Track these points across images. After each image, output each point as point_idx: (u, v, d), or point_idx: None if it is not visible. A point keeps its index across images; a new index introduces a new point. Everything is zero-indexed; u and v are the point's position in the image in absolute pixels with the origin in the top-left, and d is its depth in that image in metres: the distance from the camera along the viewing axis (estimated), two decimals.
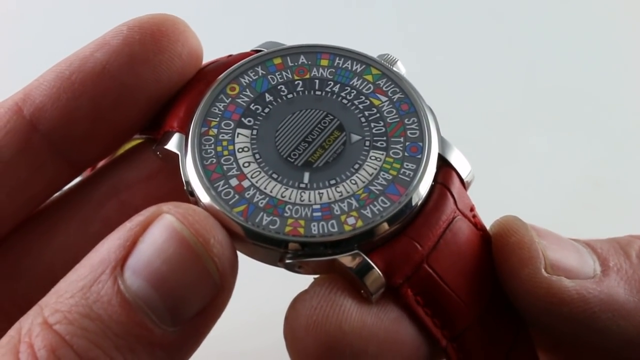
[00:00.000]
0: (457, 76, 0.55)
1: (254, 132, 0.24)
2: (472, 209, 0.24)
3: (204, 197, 0.22)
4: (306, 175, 0.23)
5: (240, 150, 0.23)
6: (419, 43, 0.57)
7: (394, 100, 0.24)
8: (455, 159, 0.24)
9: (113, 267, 0.20)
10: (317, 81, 0.25)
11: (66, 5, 0.60)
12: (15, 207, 0.25)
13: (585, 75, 0.55)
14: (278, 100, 0.24)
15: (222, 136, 0.23)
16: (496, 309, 0.24)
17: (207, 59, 0.26)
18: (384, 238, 0.22)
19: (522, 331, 0.25)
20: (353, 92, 0.25)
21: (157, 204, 0.21)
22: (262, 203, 0.22)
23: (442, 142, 0.24)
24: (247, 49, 0.26)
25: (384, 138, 0.24)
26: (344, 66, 0.25)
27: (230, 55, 0.26)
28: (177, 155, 0.23)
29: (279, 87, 0.25)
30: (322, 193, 0.22)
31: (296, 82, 0.25)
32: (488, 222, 0.24)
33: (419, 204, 0.22)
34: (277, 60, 0.25)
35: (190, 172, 0.23)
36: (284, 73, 0.25)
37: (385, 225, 0.22)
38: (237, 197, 0.22)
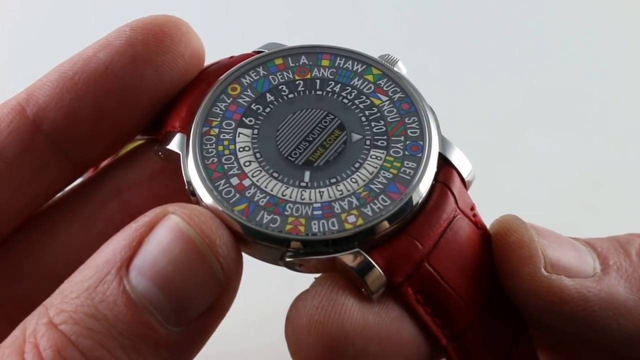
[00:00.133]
0: (458, 76, 0.55)
1: (255, 131, 0.24)
2: (472, 208, 0.24)
3: (204, 196, 0.22)
4: (307, 174, 0.23)
5: (241, 149, 0.23)
6: (419, 43, 0.57)
7: (395, 99, 0.24)
8: (456, 158, 0.24)
9: (119, 267, 0.20)
10: (318, 81, 0.25)
11: (68, 6, 0.60)
12: (18, 207, 0.25)
13: (586, 76, 0.55)
14: (279, 100, 0.24)
15: (223, 136, 0.24)
16: (496, 308, 0.24)
17: (209, 60, 0.26)
18: (384, 236, 0.22)
19: (522, 330, 0.25)
20: (354, 92, 0.25)
21: (162, 205, 0.21)
22: (262, 202, 0.22)
23: (443, 142, 0.24)
24: (249, 50, 0.26)
25: (385, 137, 0.24)
26: (344, 66, 0.25)
27: (232, 57, 0.26)
28: (179, 155, 0.24)
29: (280, 87, 0.25)
30: (323, 192, 0.22)
31: (297, 82, 0.25)
32: (488, 221, 0.24)
33: (419, 202, 0.22)
34: (279, 61, 0.25)
35: (192, 171, 0.23)
36: (285, 73, 0.25)
37: (386, 224, 0.22)
38: (237, 195, 0.22)
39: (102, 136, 0.25)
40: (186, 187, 0.23)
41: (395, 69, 0.25)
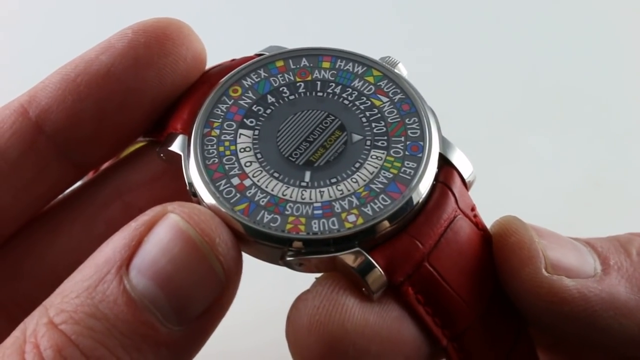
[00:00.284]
0: (457, 76, 0.55)
1: (256, 132, 0.24)
2: (473, 209, 0.24)
3: (205, 195, 0.22)
4: (307, 174, 0.23)
5: (242, 150, 0.23)
6: (419, 43, 0.57)
7: (395, 100, 0.25)
8: (457, 158, 0.24)
9: (118, 266, 0.20)
10: (318, 83, 0.25)
11: (69, 8, 0.60)
12: (20, 208, 0.25)
13: (586, 75, 0.55)
14: (280, 101, 0.25)
15: (224, 137, 0.24)
16: (497, 309, 0.24)
17: (210, 63, 0.26)
18: (385, 236, 0.22)
19: (522, 330, 0.25)
20: (354, 93, 0.25)
21: (161, 204, 0.21)
22: (263, 201, 0.22)
23: (444, 142, 0.24)
24: (251, 53, 0.26)
25: (385, 137, 0.24)
26: (345, 68, 0.25)
27: (233, 59, 0.26)
28: (180, 156, 0.24)
29: (281, 89, 0.25)
30: (323, 191, 0.23)
31: (298, 84, 0.25)
32: (487, 221, 0.24)
33: (419, 202, 0.22)
34: (279, 63, 0.25)
35: (193, 172, 0.23)
36: (286, 75, 0.25)
37: (386, 223, 0.22)
38: (238, 195, 0.22)
39: (104, 138, 0.25)
40: (187, 188, 0.23)
41: (395, 70, 0.25)
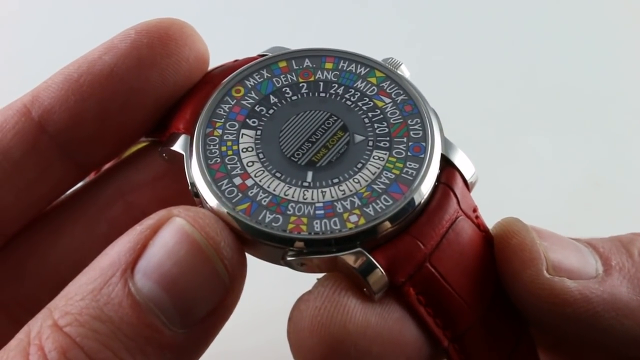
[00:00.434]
0: (457, 76, 0.55)
1: (259, 132, 0.24)
2: (475, 210, 0.24)
3: (207, 195, 0.22)
4: (309, 174, 0.23)
5: (244, 150, 0.23)
6: (419, 43, 0.57)
7: (398, 101, 0.25)
8: (459, 159, 0.24)
9: (123, 269, 0.20)
10: (321, 83, 0.25)
11: (71, 8, 0.60)
12: (22, 208, 0.25)
13: (586, 75, 0.55)
14: (283, 102, 0.25)
15: (227, 137, 0.24)
16: (498, 310, 0.24)
17: (213, 63, 0.26)
18: (386, 236, 0.22)
19: (523, 331, 0.25)
20: (357, 94, 0.25)
21: (167, 208, 0.21)
22: (265, 201, 0.22)
23: (446, 143, 0.24)
24: (253, 54, 0.26)
25: (387, 138, 0.24)
26: (348, 69, 0.25)
27: (236, 60, 0.26)
28: (182, 156, 0.24)
29: (283, 90, 0.25)
30: (325, 191, 0.23)
31: (301, 85, 0.25)
32: (488, 221, 0.24)
33: (421, 202, 0.22)
34: (282, 64, 0.25)
35: (195, 172, 0.23)
36: (288, 76, 0.25)
37: (388, 224, 0.22)
38: (240, 195, 0.22)
39: (107, 138, 0.25)
40: (190, 188, 0.23)
41: (398, 72, 0.25)
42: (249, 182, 0.23)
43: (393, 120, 0.24)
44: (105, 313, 0.19)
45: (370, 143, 0.24)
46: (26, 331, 0.20)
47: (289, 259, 0.22)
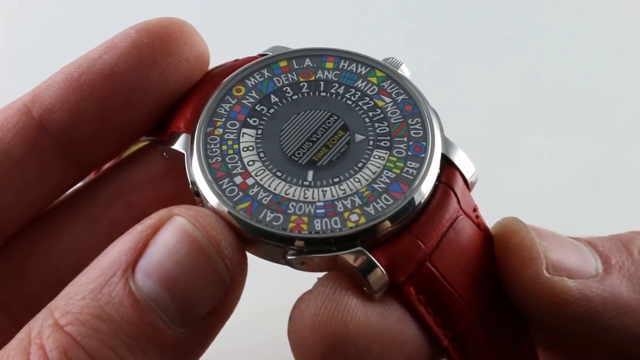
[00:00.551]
0: (458, 76, 0.55)
1: (259, 131, 0.24)
2: (475, 210, 0.24)
3: (208, 194, 0.22)
4: (310, 174, 0.23)
5: (245, 149, 0.23)
6: (419, 43, 0.57)
7: (398, 101, 0.25)
8: (459, 159, 0.24)
9: (124, 269, 0.20)
10: (322, 83, 0.25)
11: (71, 8, 0.60)
12: (23, 207, 0.25)
13: (586, 75, 0.55)
14: (283, 101, 0.25)
15: (228, 136, 0.24)
16: (498, 309, 0.24)
17: (214, 63, 0.26)
18: (387, 236, 0.22)
19: (523, 330, 0.25)
20: (357, 94, 0.25)
21: (167, 207, 0.21)
22: (265, 200, 0.22)
23: (446, 143, 0.24)
24: (254, 53, 0.26)
25: (388, 138, 0.24)
26: (348, 68, 0.25)
27: (237, 59, 0.26)
28: (183, 155, 0.24)
29: (284, 89, 0.25)
30: (326, 191, 0.23)
31: (301, 84, 0.25)
32: (487, 220, 0.24)
33: (422, 202, 0.23)
34: (283, 63, 0.25)
35: (196, 171, 0.23)
36: (289, 75, 0.25)
37: (388, 223, 0.22)
38: (241, 194, 0.22)
39: (107, 137, 0.25)
40: (190, 187, 0.23)
41: (399, 71, 0.25)
42: (250, 181, 0.23)
43: (393, 120, 0.24)
44: (106, 312, 0.19)
45: (371, 142, 0.24)
46: (27, 330, 0.20)
47: (289, 258, 0.22)
